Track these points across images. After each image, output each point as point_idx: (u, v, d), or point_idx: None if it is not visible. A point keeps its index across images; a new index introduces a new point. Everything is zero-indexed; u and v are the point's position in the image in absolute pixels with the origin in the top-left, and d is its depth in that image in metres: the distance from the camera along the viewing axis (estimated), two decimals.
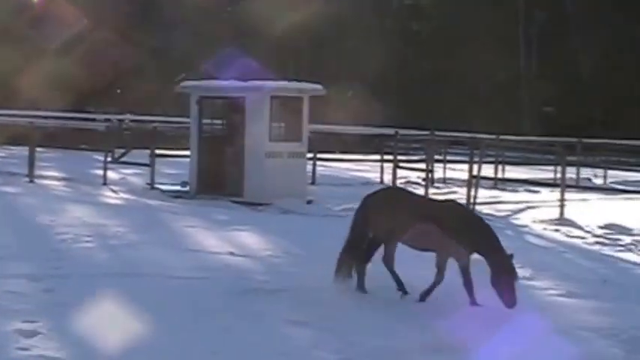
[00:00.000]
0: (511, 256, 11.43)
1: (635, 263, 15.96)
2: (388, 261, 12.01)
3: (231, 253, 14.93)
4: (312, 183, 27.50)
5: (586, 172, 34.85)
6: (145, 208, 21.27)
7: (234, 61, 39.24)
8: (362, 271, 12.21)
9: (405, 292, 11.88)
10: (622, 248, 17.42)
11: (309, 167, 26.93)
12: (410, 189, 12.88)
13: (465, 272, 11.64)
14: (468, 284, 11.63)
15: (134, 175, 27.94)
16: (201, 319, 10.44)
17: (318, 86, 24.42)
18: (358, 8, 60.79)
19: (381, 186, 28.71)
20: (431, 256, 12.00)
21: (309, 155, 26.18)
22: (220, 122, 24.08)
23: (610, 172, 36.55)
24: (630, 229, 19.27)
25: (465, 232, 11.59)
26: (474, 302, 11.59)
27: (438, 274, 11.75)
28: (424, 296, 11.77)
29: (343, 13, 59.86)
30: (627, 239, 18.26)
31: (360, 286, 12.13)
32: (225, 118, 23.86)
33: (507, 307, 11.16)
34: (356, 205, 22.45)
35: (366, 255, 12.23)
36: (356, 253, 12.18)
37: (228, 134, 23.51)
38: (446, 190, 27.92)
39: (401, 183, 28.37)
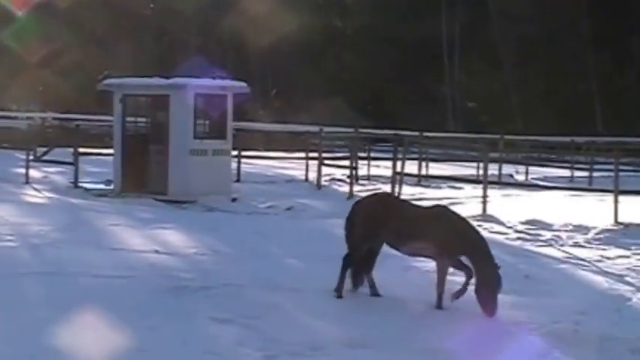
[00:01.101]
0: (498, 267, 11.48)
1: (555, 258, 16.20)
2: (351, 261, 12.00)
3: (156, 251, 14.88)
4: (237, 180, 27.47)
5: (508, 169, 35.31)
6: (69, 206, 21.05)
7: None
8: (370, 279, 12.13)
9: (340, 296, 11.89)
10: (543, 243, 17.68)
11: (234, 165, 26.90)
12: (396, 195, 12.76)
13: (443, 275, 11.69)
14: (440, 286, 11.69)
15: (57, 174, 27.64)
16: (126, 317, 10.38)
17: (242, 84, 24.42)
18: (282, 5, 60.76)
19: (306, 184, 28.82)
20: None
21: (234, 153, 26.15)
22: (144, 120, 23.93)
23: (531, 169, 37.11)
24: (551, 225, 19.57)
25: (454, 240, 11.60)
26: (439, 306, 11.63)
27: (467, 274, 11.67)
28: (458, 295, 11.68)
29: (271, 10, 59.82)
30: (548, 234, 18.54)
31: (374, 293, 12.05)
32: (150, 116, 23.73)
33: (487, 316, 11.21)
34: (280, 202, 22.72)
35: (368, 264, 12.14)
36: (359, 261, 12.04)
37: (152, 132, 23.39)
38: (370, 187, 28.07)
39: (326, 180, 28.48)
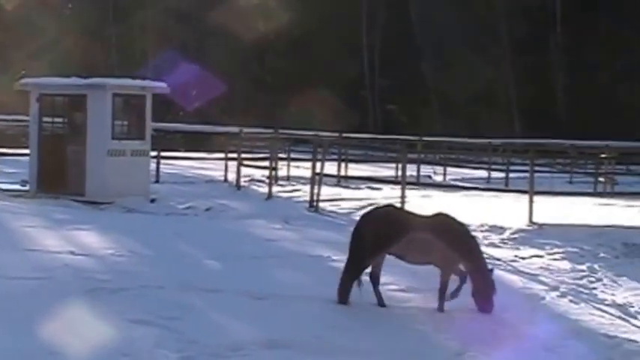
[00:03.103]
0: (491, 270, 11.88)
1: None
2: (357, 272, 12.02)
3: (72, 253, 14.68)
4: (156, 181, 27.27)
5: (426, 170, 35.62)
6: None
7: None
8: (377, 290, 12.10)
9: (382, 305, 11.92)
10: None
11: (153, 165, 26.71)
12: (400, 207, 12.86)
13: (446, 281, 11.96)
14: (442, 290, 11.96)
15: None
16: (41, 319, 10.24)
17: (162, 84, 24.27)
18: (204, 8, 60.63)
19: (225, 185, 28.75)
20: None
21: (153, 153, 25.98)
22: (62, 120, 23.65)
23: (449, 169, 37.50)
24: (468, 225, 19.75)
25: (458, 249, 11.93)
26: (441, 309, 11.86)
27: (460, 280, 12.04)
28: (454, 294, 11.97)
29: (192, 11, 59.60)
30: None
31: (381, 304, 12.02)
32: (67, 116, 23.47)
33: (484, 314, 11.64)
34: (200, 203, 22.62)
35: (374, 275, 12.13)
36: (359, 274, 12.02)
37: (69, 132, 23.14)
38: (289, 188, 28.12)
39: (245, 181, 28.45)
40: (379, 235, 11.92)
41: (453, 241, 11.93)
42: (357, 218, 21.32)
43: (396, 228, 11.98)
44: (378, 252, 11.94)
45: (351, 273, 11.96)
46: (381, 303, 11.90)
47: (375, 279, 12.02)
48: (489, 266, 12.06)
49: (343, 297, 11.89)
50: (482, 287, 11.74)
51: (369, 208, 12.72)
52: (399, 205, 12.59)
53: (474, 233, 18.50)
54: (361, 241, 12.02)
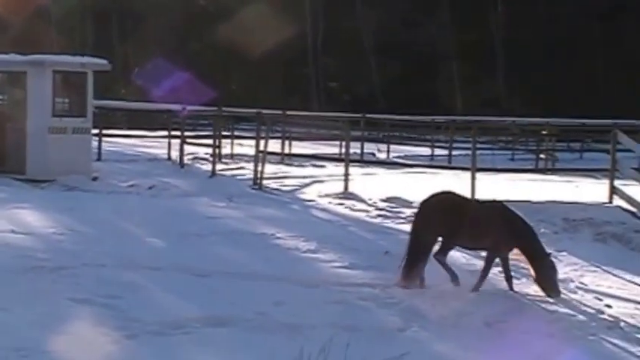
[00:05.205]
0: (550, 254, 12.18)
1: None
2: (440, 255, 12.18)
3: (12, 232, 14.52)
4: (98, 159, 27.06)
5: (370, 147, 35.71)
6: None
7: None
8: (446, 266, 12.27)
9: (457, 282, 12.04)
10: (403, 221, 17.90)
11: (95, 143, 26.48)
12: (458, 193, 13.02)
13: (506, 263, 12.26)
14: (507, 273, 12.25)
15: None
16: None
17: (103, 61, 24.01)
18: None
19: (169, 163, 28.60)
20: None
21: (95, 131, 25.74)
22: (1, 98, 23.34)
23: (393, 147, 37.65)
24: (411, 202, 19.80)
25: (511, 235, 12.14)
26: (511, 289, 12.15)
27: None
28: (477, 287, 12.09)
29: None
30: (408, 212, 18.72)
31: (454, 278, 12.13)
32: (6, 93, 23.18)
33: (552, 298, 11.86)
34: (142, 181, 22.46)
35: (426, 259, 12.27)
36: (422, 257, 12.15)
37: (9, 110, 22.86)
38: (234, 166, 28.04)
39: (188, 159, 28.32)
40: (438, 219, 12.16)
41: (509, 228, 12.20)
42: (300, 195, 21.46)
43: (455, 213, 12.21)
44: (437, 235, 12.17)
45: (416, 258, 12.09)
46: (453, 278, 12.08)
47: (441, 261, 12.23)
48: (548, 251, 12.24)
49: (408, 282, 11.98)
50: (543, 272, 11.96)
51: (429, 195, 12.79)
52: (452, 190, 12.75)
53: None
54: (424, 227, 12.23)
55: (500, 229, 12.19)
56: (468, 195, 17.77)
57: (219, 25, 63.14)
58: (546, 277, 11.99)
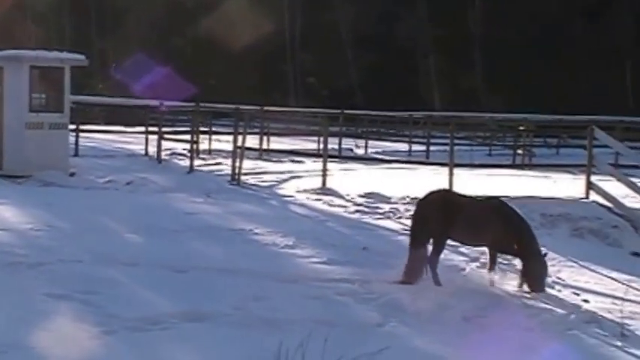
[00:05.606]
0: (545, 254, 12.25)
1: (393, 230, 16.50)
2: (432, 261, 12.19)
3: None
4: (75, 155, 26.95)
5: (349, 143, 35.73)
6: None
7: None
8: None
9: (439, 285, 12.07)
10: (381, 216, 17.97)
11: (72, 139, 26.38)
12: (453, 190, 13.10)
13: (494, 258, 12.46)
14: (492, 265, 12.45)
15: None
16: None
17: (80, 56, 23.89)
18: None
19: (146, 159, 28.52)
20: None
21: (72, 127, 25.64)
22: None
23: (371, 143, 37.68)
24: (389, 198, 19.89)
25: (508, 233, 12.24)
26: (492, 283, 12.26)
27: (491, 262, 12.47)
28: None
29: None
30: (386, 207, 18.84)
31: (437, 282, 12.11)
32: None
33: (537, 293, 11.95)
34: (120, 177, 22.40)
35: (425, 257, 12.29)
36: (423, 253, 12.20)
37: None
38: (212, 162, 27.99)
39: (166, 155, 28.25)
40: (436, 217, 12.16)
41: (507, 224, 12.25)
42: (278, 191, 21.45)
43: (452, 211, 12.22)
44: (440, 233, 12.19)
45: (416, 257, 12.13)
46: (436, 283, 12.05)
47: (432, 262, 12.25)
48: (542, 250, 12.29)
49: (412, 278, 12.00)
50: (534, 269, 12.04)
51: (425, 193, 12.79)
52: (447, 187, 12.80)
53: (396, 206, 18.85)
54: (422, 225, 12.23)
55: (498, 225, 12.24)
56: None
57: (198, 20, 63.07)
58: (536, 274, 12.06)
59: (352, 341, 9.02)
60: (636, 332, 10.50)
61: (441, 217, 12.19)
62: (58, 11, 66.36)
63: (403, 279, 12.03)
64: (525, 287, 12.10)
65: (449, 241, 12.54)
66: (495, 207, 12.59)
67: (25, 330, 9.02)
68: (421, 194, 19.79)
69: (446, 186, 20.69)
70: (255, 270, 12.22)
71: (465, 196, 13.15)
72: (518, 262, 12.48)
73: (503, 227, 12.24)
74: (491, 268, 12.39)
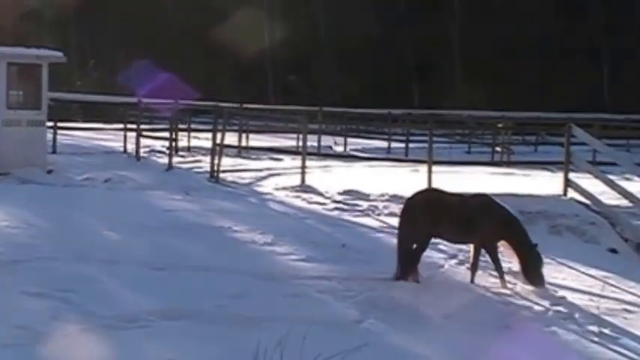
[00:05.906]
0: (536, 245, 12.22)
1: (371, 227, 16.49)
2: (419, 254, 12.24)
3: None
4: (53, 152, 26.84)
5: (327, 140, 35.72)
6: None
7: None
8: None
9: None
10: (360, 213, 17.96)
11: (50, 136, 26.27)
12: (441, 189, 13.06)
13: (477, 258, 12.36)
14: (474, 264, 12.38)
15: None
16: None
17: (58, 53, 23.78)
18: None
19: (125, 156, 28.43)
20: None
21: (50, 124, 25.53)
22: None
23: (350, 140, 37.68)
24: (368, 195, 19.89)
25: (498, 228, 12.24)
26: (472, 280, 12.28)
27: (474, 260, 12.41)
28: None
29: None
30: (365, 204, 18.83)
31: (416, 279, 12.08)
32: None
33: (538, 289, 12.02)
34: (98, 174, 22.30)
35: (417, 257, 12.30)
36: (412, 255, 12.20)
37: None
38: (190, 159, 27.94)
39: (145, 152, 28.17)
40: (424, 217, 12.14)
41: (494, 220, 12.26)
42: (256, 188, 21.42)
43: (440, 210, 12.22)
44: (426, 233, 12.19)
45: (406, 257, 12.11)
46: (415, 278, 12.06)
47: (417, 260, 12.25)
48: (534, 242, 12.29)
49: (408, 275, 12.01)
50: (530, 263, 12.06)
51: (412, 193, 12.77)
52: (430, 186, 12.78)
53: (375, 203, 18.86)
54: (411, 225, 12.21)
55: (487, 222, 12.24)
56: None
57: (176, 17, 62.92)
58: (533, 268, 12.09)
59: (331, 338, 9.02)
60: (613, 328, 10.55)
61: (429, 217, 12.18)
62: (37, 8, 65.97)
63: (398, 275, 12.04)
64: (509, 285, 12.12)
65: None
66: (485, 204, 12.60)
67: (2, 329, 8.98)
68: (400, 191, 19.93)
69: (425, 183, 20.74)
70: (234, 267, 12.20)
71: (452, 194, 13.15)
72: (489, 260, 12.45)
73: (493, 224, 12.25)
74: (474, 265, 12.39)
